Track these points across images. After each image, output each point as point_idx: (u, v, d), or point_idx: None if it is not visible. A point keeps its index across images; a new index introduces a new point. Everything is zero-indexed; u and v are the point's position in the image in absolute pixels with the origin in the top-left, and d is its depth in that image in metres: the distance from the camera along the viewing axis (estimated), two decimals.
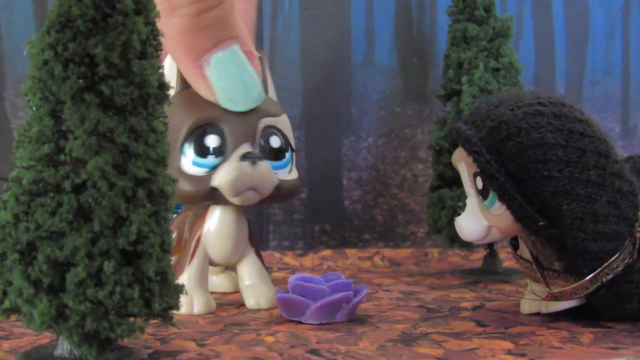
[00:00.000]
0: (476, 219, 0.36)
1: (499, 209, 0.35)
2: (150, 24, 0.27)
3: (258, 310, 0.40)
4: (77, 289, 0.25)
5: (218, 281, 0.47)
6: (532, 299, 0.38)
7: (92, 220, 0.26)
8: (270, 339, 0.34)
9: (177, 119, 0.37)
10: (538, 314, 0.38)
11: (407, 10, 0.67)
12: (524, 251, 0.38)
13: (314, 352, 0.31)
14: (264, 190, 0.39)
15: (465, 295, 0.45)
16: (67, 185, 0.26)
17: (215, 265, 0.42)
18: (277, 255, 0.61)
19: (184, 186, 0.38)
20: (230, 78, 0.37)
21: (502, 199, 0.34)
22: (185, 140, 0.38)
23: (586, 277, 0.34)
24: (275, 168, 0.39)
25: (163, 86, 0.28)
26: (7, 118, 0.59)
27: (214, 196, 0.38)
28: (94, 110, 0.26)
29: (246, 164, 0.37)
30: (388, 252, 0.62)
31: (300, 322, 0.37)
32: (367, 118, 0.66)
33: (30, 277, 0.25)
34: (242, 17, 0.39)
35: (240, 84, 0.38)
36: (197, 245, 0.40)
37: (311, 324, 0.36)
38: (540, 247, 0.36)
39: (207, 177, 0.38)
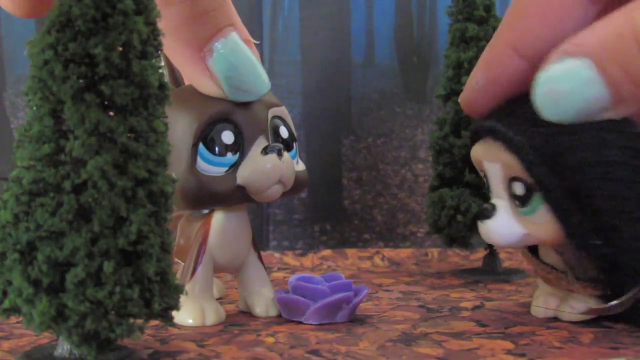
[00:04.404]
0: (511, 226, 0.34)
1: (541, 218, 0.33)
2: (151, 23, 0.27)
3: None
4: (76, 289, 0.25)
5: None
6: (546, 307, 0.37)
7: (92, 220, 0.26)
8: (270, 339, 0.34)
9: (183, 117, 0.35)
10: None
11: (407, 10, 0.67)
12: (547, 255, 0.37)
13: (314, 352, 0.31)
14: (288, 182, 0.37)
15: (465, 295, 0.45)
16: (67, 185, 0.26)
17: (219, 271, 0.40)
18: (277, 255, 0.61)
19: (209, 187, 0.35)
20: (237, 67, 0.35)
21: (556, 214, 0.32)
22: (199, 138, 0.35)
23: (627, 293, 0.33)
24: None
25: (163, 86, 0.28)
26: (7, 118, 0.59)
27: (238, 195, 0.36)
28: (94, 110, 0.26)
29: (273, 156, 0.35)
30: (388, 252, 0.62)
31: (300, 323, 0.37)
32: (367, 118, 0.66)
33: (30, 277, 0.25)
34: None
35: (248, 72, 0.36)
36: (201, 252, 0.37)
37: (311, 325, 0.36)
38: (578, 259, 0.35)
39: (230, 176, 0.35)
